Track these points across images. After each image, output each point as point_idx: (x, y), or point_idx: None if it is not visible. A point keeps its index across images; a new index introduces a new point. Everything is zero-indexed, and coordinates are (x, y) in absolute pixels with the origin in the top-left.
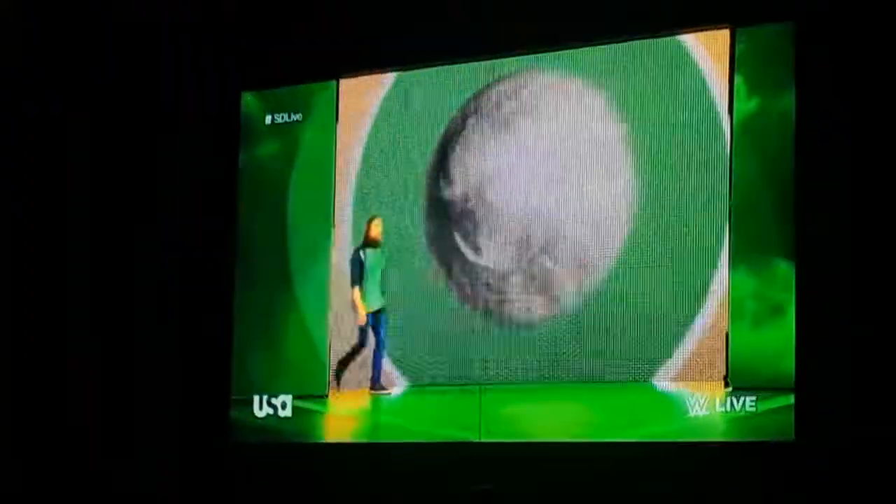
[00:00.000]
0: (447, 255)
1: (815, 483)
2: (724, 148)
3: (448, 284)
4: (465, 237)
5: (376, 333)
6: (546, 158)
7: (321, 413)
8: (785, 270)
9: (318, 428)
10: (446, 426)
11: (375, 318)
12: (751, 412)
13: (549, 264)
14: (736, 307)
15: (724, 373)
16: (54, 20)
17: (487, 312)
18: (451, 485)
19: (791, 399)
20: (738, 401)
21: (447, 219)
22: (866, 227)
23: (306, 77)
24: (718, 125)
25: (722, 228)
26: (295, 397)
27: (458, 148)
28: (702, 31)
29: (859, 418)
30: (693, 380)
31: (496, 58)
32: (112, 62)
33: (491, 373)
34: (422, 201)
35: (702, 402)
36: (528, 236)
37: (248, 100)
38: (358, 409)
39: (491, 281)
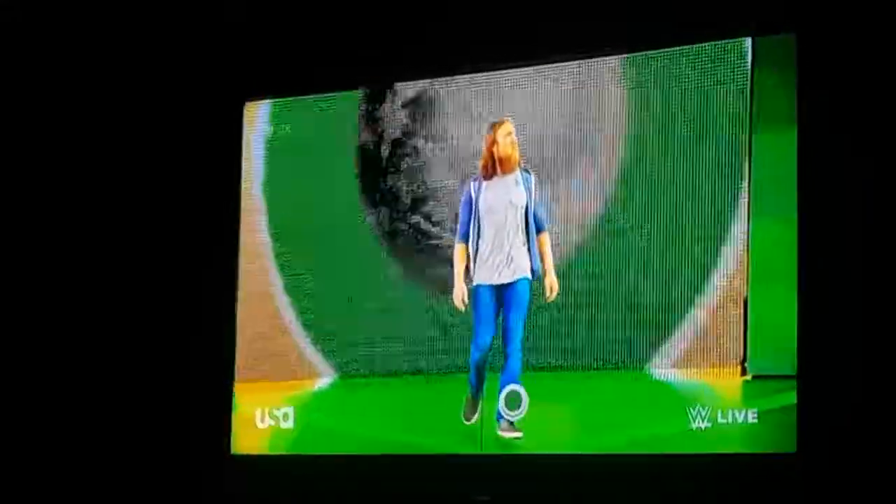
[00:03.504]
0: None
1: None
2: (744, 62)
3: (390, 250)
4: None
5: (504, 319)
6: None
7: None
8: None
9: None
10: (389, 430)
11: (498, 295)
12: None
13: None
14: (758, 266)
15: (740, 356)
16: (54, 20)
17: (443, 291)
18: (452, 496)
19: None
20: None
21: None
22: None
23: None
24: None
25: (740, 164)
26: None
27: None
28: None
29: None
30: (699, 366)
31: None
32: (112, 62)
33: (441, 361)
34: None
35: (711, 395)
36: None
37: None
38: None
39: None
